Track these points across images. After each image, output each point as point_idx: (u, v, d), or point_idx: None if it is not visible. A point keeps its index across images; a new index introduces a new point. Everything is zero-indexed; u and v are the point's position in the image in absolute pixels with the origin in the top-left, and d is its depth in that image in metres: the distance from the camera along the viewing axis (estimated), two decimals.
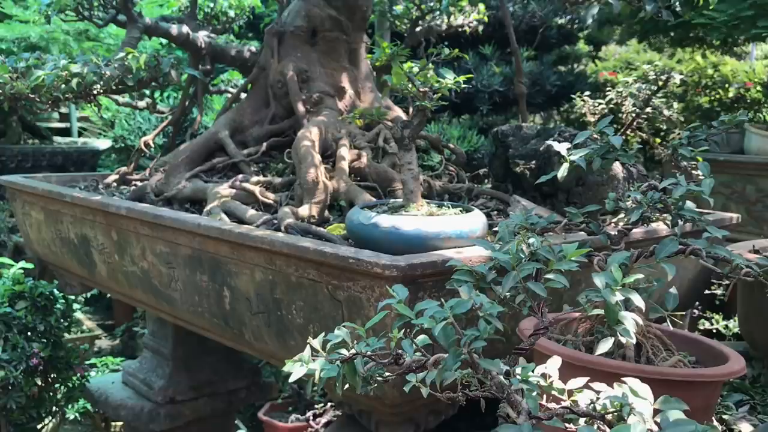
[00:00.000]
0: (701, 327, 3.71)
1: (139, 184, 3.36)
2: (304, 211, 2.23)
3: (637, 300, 1.12)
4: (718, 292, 3.46)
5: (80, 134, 9.14)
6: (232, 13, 4.14)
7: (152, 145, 3.53)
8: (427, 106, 1.84)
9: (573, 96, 5.97)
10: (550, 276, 1.19)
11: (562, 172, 1.48)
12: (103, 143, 7.33)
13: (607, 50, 9.56)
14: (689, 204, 1.40)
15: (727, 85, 7.08)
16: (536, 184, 1.82)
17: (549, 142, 1.61)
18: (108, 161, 7.33)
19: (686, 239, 1.48)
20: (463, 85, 1.90)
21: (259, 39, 6.04)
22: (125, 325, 5.82)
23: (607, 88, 3.30)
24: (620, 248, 1.50)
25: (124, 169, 3.46)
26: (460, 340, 0.97)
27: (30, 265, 3.99)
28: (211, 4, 4.08)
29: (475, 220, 1.85)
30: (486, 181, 3.04)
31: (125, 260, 2.60)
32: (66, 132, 8.89)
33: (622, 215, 2.17)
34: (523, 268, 1.13)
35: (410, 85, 1.86)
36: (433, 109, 1.86)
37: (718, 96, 7.19)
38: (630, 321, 1.10)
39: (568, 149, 1.50)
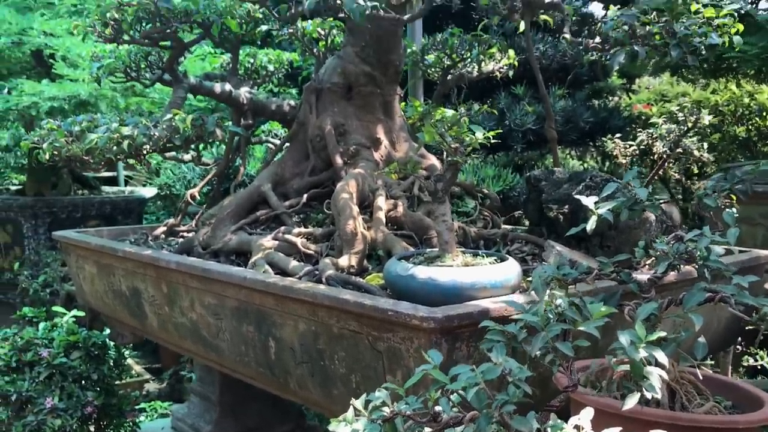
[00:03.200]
0: (745, 363, 3.67)
1: (186, 235, 3.51)
2: (343, 261, 2.32)
3: (661, 357, 1.17)
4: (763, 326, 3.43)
5: (127, 182, 9.46)
6: (271, 68, 4.31)
7: (198, 197, 3.69)
8: (458, 161, 1.92)
9: (605, 137, 6.00)
10: (581, 327, 1.25)
11: (591, 225, 1.55)
12: (149, 191, 7.58)
13: (641, 82, 9.57)
14: (716, 251, 1.45)
15: (764, 113, 7.02)
16: (567, 235, 1.88)
17: (577, 196, 1.67)
18: (153, 208, 7.57)
19: (716, 285, 1.53)
20: (493, 134, 1.98)
21: (299, 88, 6.23)
22: (172, 369, 5.95)
23: (638, 129, 3.34)
24: (650, 296, 1.55)
25: (171, 221, 3.61)
26: (492, 403, 1.03)
27: (81, 313, 4.16)
28: (252, 60, 4.26)
29: (509, 270, 1.91)
30: (522, 218, 3.09)
31: (175, 311, 2.72)
32: (113, 181, 9.22)
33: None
34: (551, 329, 1.20)
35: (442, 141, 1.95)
36: (464, 163, 1.94)
37: (755, 125, 7.12)
38: (655, 376, 1.15)
39: (596, 203, 1.57)
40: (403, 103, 3.54)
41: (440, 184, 1.99)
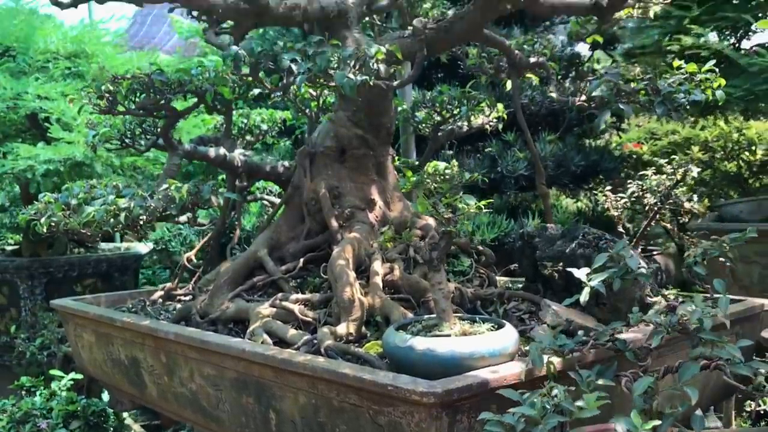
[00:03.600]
0: (748, 408, 3.66)
1: (183, 299, 3.52)
2: (341, 329, 2.33)
3: None
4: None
5: (122, 238, 9.45)
6: (264, 126, 4.38)
7: (194, 260, 3.70)
8: (452, 230, 1.95)
9: (596, 180, 6.05)
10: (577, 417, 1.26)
11: (584, 296, 1.57)
12: (144, 247, 7.58)
13: (630, 120, 9.67)
14: (707, 323, 1.47)
15: (753, 148, 7.09)
16: (565, 304, 1.90)
17: (571, 269, 1.69)
18: (149, 262, 7.57)
19: (711, 349, 1.54)
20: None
21: (292, 142, 6.30)
22: (172, 429, 5.89)
23: (629, 169, 3.37)
24: (646, 365, 1.56)
25: (169, 285, 3.62)
26: None
27: (79, 376, 4.13)
28: (245, 120, 4.32)
29: (507, 337, 1.93)
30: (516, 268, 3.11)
31: (174, 381, 2.71)
32: (109, 236, 9.21)
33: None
34: (548, 422, 1.21)
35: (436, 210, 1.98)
36: (457, 234, 1.97)
37: (745, 160, 7.19)
38: None
39: (588, 274, 1.59)
40: (397, 159, 3.59)
41: (435, 252, 2.02)
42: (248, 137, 4.40)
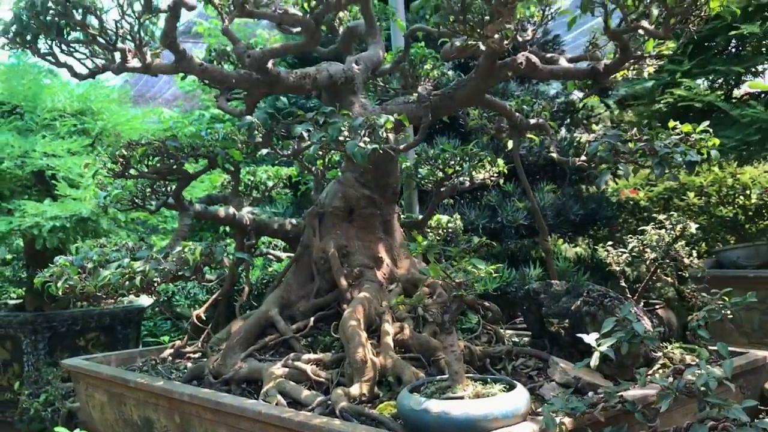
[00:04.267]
0: None
1: (192, 356, 3.56)
2: (355, 390, 2.38)
3: None
4: None
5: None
6: (270, 183, 4.48)
7: (203, 318, 3.76)
8: (463, 294, 2.02)
9: (595, 227, 6.13)
10: None
11: (594, 361, 1.64)
12: (147, 300, 7.61)
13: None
14: (713, 385, 1.53)
15: (748, 192, 7.20)
16: (577, 368, 1.96)
17: (580, 335, 1.76)
18: (150, 313, 7.60)
19: (718, 411, 1.60)
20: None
21: (294, 194, 6.38)
22: None
23: (627, 216, 3.43)
24: (655, 426, 1.62)
25: (178, 343, 3.67)
26: None
27: None
28: (252, 177, 4.42)
29: (519, 398, 1.98)
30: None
31: None
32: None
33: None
34: None
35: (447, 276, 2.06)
36: (468, 297, 2.04)
37: (741, 205, 7.29)
38: None
39: (597, 339, 1.66)
40: (402, 215, 3.68)
41: (447, 315, 2.09)
42: (254, 194, 4.50)
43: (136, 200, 3.69)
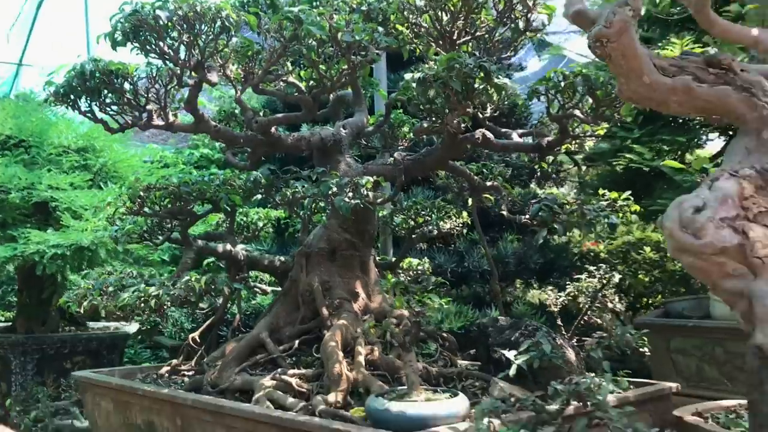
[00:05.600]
0: None
1: (187, 374, 4.07)
2: (332, 398, 2.92)
3: None
4: None
5: (108, 317, 9.87)
6: (260, 224, 5.04)
7: (198, 341, 4.27)
8: (420, 321, 2.60)
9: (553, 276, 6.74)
10: None
11: (513, 371, 2.21)
12: (132, 327, 8.05)
13: None
14: (609, 400, 2.09)
15: None
16: (498, 377, 2.53)
17: (504, 352, 2.34)
18: (132, 341, 8.00)
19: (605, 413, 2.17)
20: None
21: (282, 237, 6.95)
22: None
23: (587, 266, 3.99)
24: (557, 422, 2.19)
25: (175, 361, 4.18)
26: None
27: None
28: (244, 218, 4.99)
29: (459, 404, 2.55)
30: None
31: None
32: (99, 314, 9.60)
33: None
34: None
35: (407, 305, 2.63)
36: (426, 323, 2.61)
37: None
38: None
39: (515, 355, 2.24)
40: (378, 257, 4.26)
41: (407, 336, 2.65)
42: (245, 233, 5.05)
43: (145, 235, 4.23)
